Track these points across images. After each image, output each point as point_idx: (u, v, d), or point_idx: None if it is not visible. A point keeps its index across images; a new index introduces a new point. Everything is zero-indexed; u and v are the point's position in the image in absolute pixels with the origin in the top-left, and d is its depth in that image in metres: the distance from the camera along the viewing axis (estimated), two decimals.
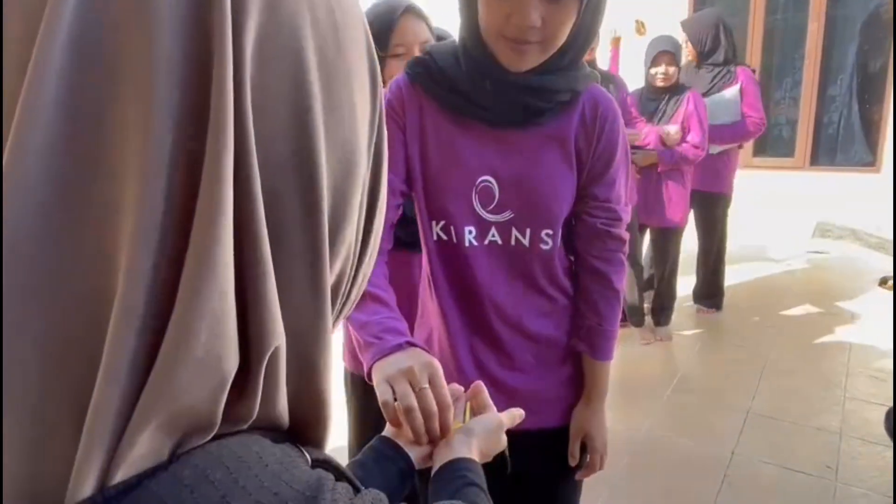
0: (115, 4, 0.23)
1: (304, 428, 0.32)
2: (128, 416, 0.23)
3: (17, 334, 0.22)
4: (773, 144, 5.25)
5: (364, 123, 0.33)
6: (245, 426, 0.28)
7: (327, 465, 0.31)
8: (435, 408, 0.69)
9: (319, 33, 0.29)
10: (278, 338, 0.27)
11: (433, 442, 0.69)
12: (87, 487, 0.22)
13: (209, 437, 0.26)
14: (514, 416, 0.74)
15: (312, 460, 0.31)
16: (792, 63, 5.16)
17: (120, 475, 0.23)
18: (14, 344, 0.22)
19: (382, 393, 0.72)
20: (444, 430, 0.69)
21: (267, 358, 0.27)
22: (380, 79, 0.35)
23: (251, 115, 0.25)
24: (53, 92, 0.22)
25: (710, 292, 3.46)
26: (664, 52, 2.96)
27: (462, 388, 0.78)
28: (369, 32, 0.34)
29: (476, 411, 0.75)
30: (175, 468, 0.24)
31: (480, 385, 0.75)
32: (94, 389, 0.23)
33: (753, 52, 5.06)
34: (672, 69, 2.98)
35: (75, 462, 0.23)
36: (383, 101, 0.35)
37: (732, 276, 3.67)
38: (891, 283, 3.58)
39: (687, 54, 3.18)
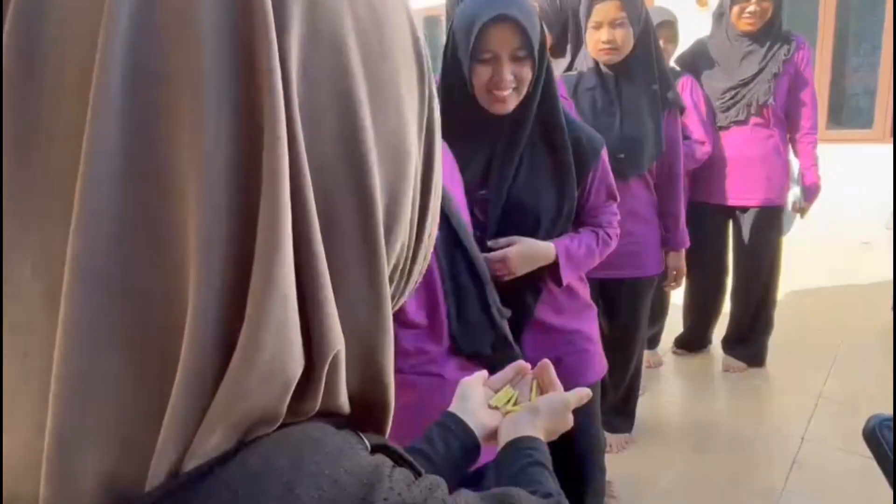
0: (162, 44, 0.24)
1: (367, 415, 0.33)
2: (200, 418, 0.25)
3: (102, 344, 0.24)
4: (849, 115, 4.95)
5: (413, 114, 0.33)
6: (307, 417, 0.30)
7: (386, 449, 0.32)
8: None
9: (361, 30, 0.29)
10: (338, 343, 0.28)
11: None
12: (164, 475, 0.25)
13: (274, 428, 0.28)
14: (581, 395, 0.74)
15: (372, 446, 0.32)
16: (870, 27, 4.83)
17: (193, 464, 0.25)
18: (101, 352, 0.24)
19: None
20: None
21: (328, 362, 0.28)
22: (427, 67, 0.34)
23: (300, 123, 0.26)
24: (114, 126, 0.24)
25: (743, 339, 2.66)
26: None
27: (528, 365, 0.80)
28: (414, 21, 0.34)
29: (542, 389, 0.76)
30: (242, 456, 0.26)
31: (547, 363, 0.77)
32: (172, 393, 0.24)
33: (826, 16, 4.77)
34: (767, 3, 2.24)
35: (154, 455, 0.24)
36: (434, 89, 0.35)
37: (807, 255, 3.53)
38: None
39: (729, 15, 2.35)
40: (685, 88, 2.30)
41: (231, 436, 0.26)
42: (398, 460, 0.32)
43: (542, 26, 1.22)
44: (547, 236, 1.28)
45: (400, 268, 0.35)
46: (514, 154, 1.23)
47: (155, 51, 0.24)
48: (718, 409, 2.41)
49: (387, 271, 0.31)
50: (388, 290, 0.31)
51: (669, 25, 2.40)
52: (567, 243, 1.29)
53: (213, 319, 0.25)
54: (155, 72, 0.24)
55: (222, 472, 0.25)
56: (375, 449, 0.32)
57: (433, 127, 0.35)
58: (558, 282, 1.28)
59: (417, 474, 0.31)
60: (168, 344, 0.25)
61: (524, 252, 1.24)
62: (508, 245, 1.23)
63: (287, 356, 0.26)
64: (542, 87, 1.23)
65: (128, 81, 0.24)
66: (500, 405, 0.74)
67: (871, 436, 0.70)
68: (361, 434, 0.32)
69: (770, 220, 2.47)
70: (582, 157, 1.27)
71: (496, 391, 0.76)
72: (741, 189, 2.43)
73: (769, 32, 2.30)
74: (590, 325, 1.40)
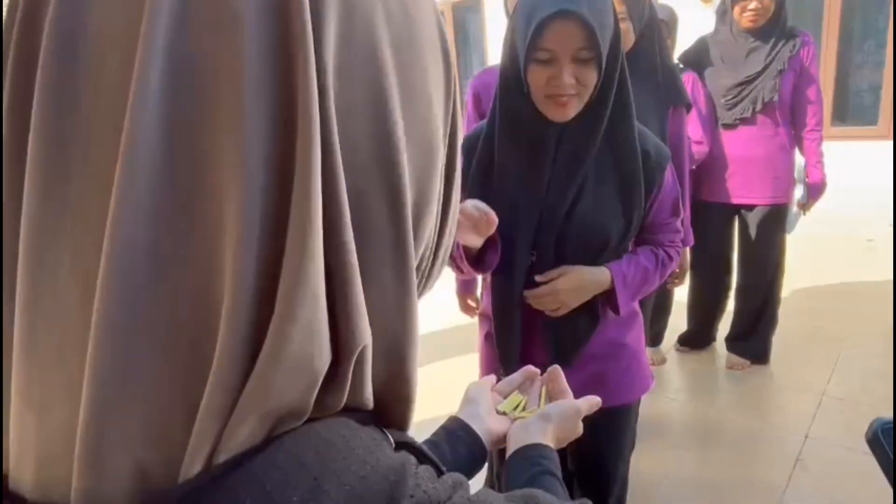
0: (204, 31, 0.24)
1: (390, 409, 0.33)
2: (232, 411, 0.25)
3: (140, 336, 0.24)
4: (853, 112, 4.93)
5: (440, 111, 0.33)
6: (333, 412, 0.30)
7: (410, 447, 0.32)
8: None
9: (393, 27, 0.29)
10: (365, 338, 0.28)
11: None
12: (197, 466, 0.25)
13: (301, 423, 0.28)
14: (592, 403, 0.73)
15: (396, 443, 0.32)
16: (874, 24, 4.82)
17: (223, 457, 0.26)
18: (138, 344, 0.24)
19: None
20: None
21: (355, 357, 0.28)
22: (452, 64, 0.35)
23: (335, 121, 0.26)
24: (154, 119, 0.24)
25: (747, 336, 2.64)
26: None
27: (538, 371, 0.78)
28: (440, 18, 0.34)
29: (552, 396, 0.74)
30: (270, 451, 0.26)
31: (558, 370, 0.75)
32: (207, 386, 0.25)
33: (831, 13, 4.76)
34: (768, 1, 2.20)
35: (187, 450, 0.25)
36: (457, 85, 0.36)
37: (811, 252, 3.52)
38: None
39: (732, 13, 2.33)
40: (686, 85, 2.23)
41: (260, 429, 0.27)
42: (421, 458, 0.32)
43: (615, 24, 1.04)
44: (613, 258, 1.17)
45: (423, 267, 0.35)
46: (578, 171, 1.09)
47: (196, 37, 0.24)
48: (722, 407, 2.41)
49: (414, 267, 0.31)
50: (415, 287, 0.31)
51: (663, 24, 2.27)
52: (623, 269, 1.15)
53: (246, 315, 0.25)
54: (196, 58, 0.24)
55: (251, 465, 0.26)
56: (399, 446, 0.32)
57: (456, 125, 0.36)
58: (616, 310, 1.16)
59: (440, 472, 0.32)
60: (201, 338, 0.25)
61: (576, 282, 1.12)
62: (558, 276, 1.12)
63: (314, 351, 0.27)
64: (615, 94, 1.06)
65: (169, 67, 0.24)
66: (509, 411, 0.73)
67: (874, 440, 0.69)
68: (385, 430, 0.32)
69: (776, 219, 2.46)
70: (648, 172, 1.13)
71: (505, 396, 0.75)
72: (747, 188, 2.41)
73: (774, 29, 2.27)
74: (636, 335, 1.29)
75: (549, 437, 0.66)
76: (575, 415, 0.70)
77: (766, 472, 2.00)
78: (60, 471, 0.26)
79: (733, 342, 2.69)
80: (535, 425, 0.67)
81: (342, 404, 0.30)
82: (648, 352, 2.73)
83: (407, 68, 0.30)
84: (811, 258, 3.67)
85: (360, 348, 0.28)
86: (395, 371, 0.33)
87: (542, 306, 1.13)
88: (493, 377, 0.78)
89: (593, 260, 1.14)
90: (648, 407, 2.39)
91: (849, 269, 3.60)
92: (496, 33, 5.78)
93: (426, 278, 0.37)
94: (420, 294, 0.37)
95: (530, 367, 0.78)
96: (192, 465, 0.25)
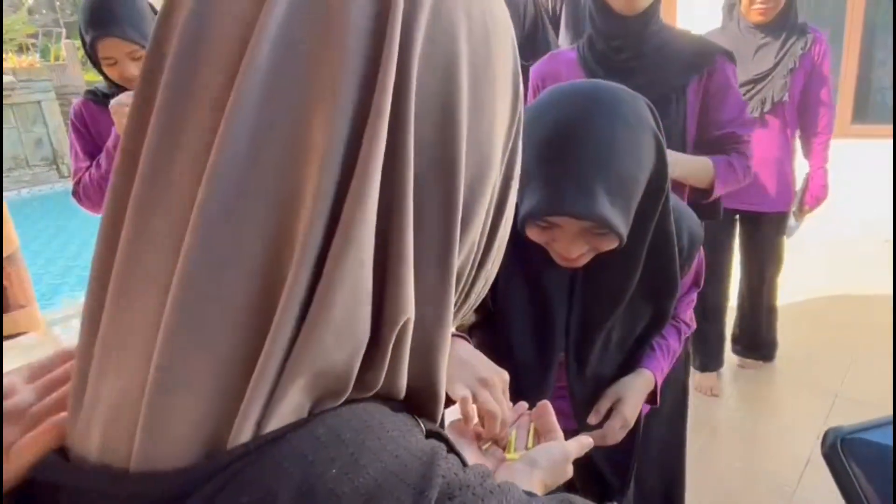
0: (311, 21, 0.28)
1: (419, 401, 0.35)
2: (283, 371, 0.27)
3: (208, 301, 0.27)
4: (874, 110, 4.85)
5: (502, 129, 0.35)
6: (370, 394, 0.32)
7: (439, 436, 0.34)
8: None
9: (472, 41, 0.32)
10: (409, 311, 0.30)
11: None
12: (245, 434, 0.27)
13: (341, 402, 0.30)
14: (583, 444, 0.68)
15: (427, 430, 0.33)
16: None
17: (270, 426, 0.27)
18: (206, 309, 0.27)
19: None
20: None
21: (397, 330, 0.30)
22: (521, 90, 0.36)
23: (413, 113, 0.29)
24: (257, 95, 0.27)
25: (753, 339, 2.62)
26: None
27: (526, 405, 0.75)
28: (516, 46, 0.36)
29: (541, 433, 0.71)
30: (312, 426, 0.28)
31: (547, 406, 0.71)
32: (263, 350, 0.27)
33: (854, 8, 4.68)
34: None
35: (239, 410, 0.27)
36: (522, 113, 0.37)
37: (827, 252, 3.49)
38: None
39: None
40: None
41: (304, 399, 0.29)
42: (449, 447, 0.33)
43: (657, 149, 0.83)
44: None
45: (462, 280, 0.36)
46: (604, 325, 0.99)
47: (302, 45, 0.28)
48: (732, 406, 2.40)
49: (455, 266, 0.33)
50: (453, 290, 0.33)
51: None
52: (661, 363, 1.09)
53: (306, 281, 0.27)
54: (297, 61, 0.27)
55: (294, 437, 0.27)
56: (430, 434, 0.33)
57: (515, 155, 0.38)
58: (654, 402, 1.11)
59: (464, 464, 0.33)
60: (266, 306, 0.27)
61: (637, 402, 1.05)
62: (613, 405, 1.04)
63: (356, 319, 0.28)
64: (656, 225, 0.90)
65: (275, 54, 0.27)
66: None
67: (833, 455, 0.56)
68: (418, 419, 0.34)
69: (779, 223, 2.37)
70: (681, 264, 1.00)
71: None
72: (752, 193, 2.17)
73: (784, 24, 2.13)
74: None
75: (535, 485, 0.62)
76: (563, 459, 0.66)
77: (776, 472, 2.00)
78: (126, 430, 0.28)
79: (738, 345, 2.65)
80: (522, 472, 0.63)
81: (379, 383, 0.31)
82: None
83: (478, 78, 0.32)
84: (827, 258, 3.63)
85: (403, 319, 0.30)
86: (427, 369, 0.34)
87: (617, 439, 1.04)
88: (470, 415, 0.72)
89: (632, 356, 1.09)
90: None
91: (865, 270, 3.56)
92: None
93: (465, 299, 0.38)
94: (461, 309, 0.38)
95: (520, 402, 0.75)
96: (242, 430, 0.27)
